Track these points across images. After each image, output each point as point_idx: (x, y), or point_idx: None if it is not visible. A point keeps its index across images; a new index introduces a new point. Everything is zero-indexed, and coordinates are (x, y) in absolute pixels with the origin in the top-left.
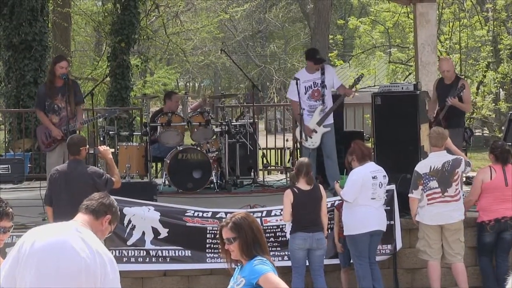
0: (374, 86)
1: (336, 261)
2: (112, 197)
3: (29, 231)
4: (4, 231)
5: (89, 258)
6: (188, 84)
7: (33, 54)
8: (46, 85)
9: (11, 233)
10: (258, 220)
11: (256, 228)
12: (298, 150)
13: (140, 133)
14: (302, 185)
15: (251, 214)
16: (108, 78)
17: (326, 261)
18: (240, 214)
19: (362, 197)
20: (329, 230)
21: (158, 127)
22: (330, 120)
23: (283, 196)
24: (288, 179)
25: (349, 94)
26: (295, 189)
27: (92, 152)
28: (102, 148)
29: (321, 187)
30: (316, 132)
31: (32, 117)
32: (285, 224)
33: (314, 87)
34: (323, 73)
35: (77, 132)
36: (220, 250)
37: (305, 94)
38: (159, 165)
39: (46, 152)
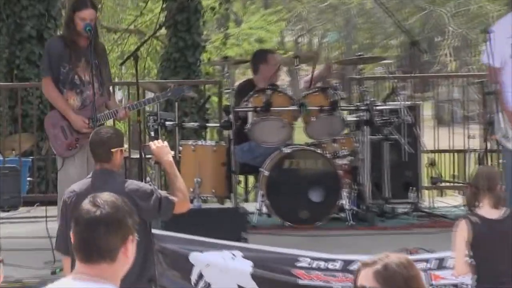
0: None
1: None
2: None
3: None
4: None
5: None
6: (300, 40)
7: None
8: (63, 39)
9: None
10: (423, 274)
11: None
12: (492, 155)
13: (218, 124)
14: (486, 210)
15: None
16: (163, 30)
17: None
18: (398, 258)
19: None
20: None
21: (249, 114)
22: None
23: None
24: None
25: None
26: (473, 219)
27: (138, 155)
28: (155, 144)
29: None
30: None
31: (34, 96)
32: (467, 285)
33: None
34: None
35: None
36: None
37: None
38: (251, 179)
39: (60, 159)
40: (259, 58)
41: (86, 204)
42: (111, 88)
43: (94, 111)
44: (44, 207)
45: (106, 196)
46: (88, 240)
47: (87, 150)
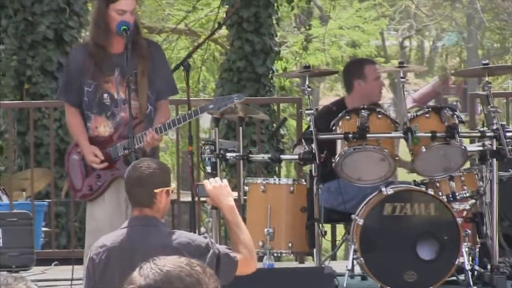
0: None
1: None
2: None
3: None
4: None
5: None
6: (407, 43)
7: None
8: (87, 47)
9: None
10: None
11: None
12: None
13: (296, 157)
14: None
15: None
16: (223, 31)
17: None
18: None
19: None
20: None
21: (338, 142)
22: None
23: None
24: None
25: None
26: None
27: (190, 197)
28: (211, 183)
29: None
30: None
31: (51, 119)
32: None
33: None
34: None
35: (148, 152)
36: None
37: None
38: (340, 229)
39: (85, 203)
40: (354, 71)
41: (135, 272)
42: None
43: (131, 137)
44: (65, 267)
45: (162, 262)
46: None
47: (119, 188)
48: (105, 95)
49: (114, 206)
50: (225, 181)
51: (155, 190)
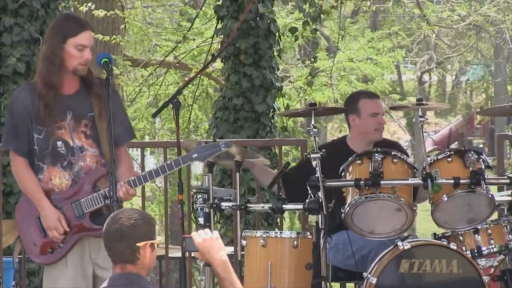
0: None
1: None
2: None
3: None
4: None
5: None
6: (427, 78)
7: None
8: (34, 89)
9: None
10: None
11: None
12: None
13: (300, 206)
14: None
15: None
16: (218, 63)
17: None
18: None
19: None
20: None
21: (349, 190)
22: None
23: None
24: None
25: None
26: None
27: (180, 253)
28: (200, 235)
29: None
30: None
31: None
32: None
33: None
34: None
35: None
36: None
37: None
38: None
39: (43, 266)
40: (348, 106)
41: None
42: (132, 150)
43: (113, 186)
44: None
45: None
46: None
47: (89, 245)
48: (59, 143)
49: (76, 271)
50: (216, 233)
51: (138, 244)
